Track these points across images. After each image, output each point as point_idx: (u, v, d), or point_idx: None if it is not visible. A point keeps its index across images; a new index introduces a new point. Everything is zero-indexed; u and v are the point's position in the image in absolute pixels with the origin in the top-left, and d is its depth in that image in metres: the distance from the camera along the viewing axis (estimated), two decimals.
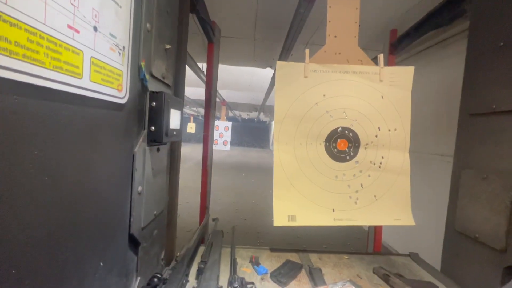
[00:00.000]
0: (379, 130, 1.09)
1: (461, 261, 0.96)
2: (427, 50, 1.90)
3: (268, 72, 3.98)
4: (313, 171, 1.07)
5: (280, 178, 1.06)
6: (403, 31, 1.50)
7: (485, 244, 0.86)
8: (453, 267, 0.99)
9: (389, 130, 1.09)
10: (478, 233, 0.88)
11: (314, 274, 0.90)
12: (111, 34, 0.51)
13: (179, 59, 0.97)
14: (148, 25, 0.68)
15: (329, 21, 1.06)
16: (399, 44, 1.56)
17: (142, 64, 0.66)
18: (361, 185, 1.09)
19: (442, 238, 1.08)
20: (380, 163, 1.10)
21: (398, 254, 1.17)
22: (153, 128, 0.73)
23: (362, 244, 3.31)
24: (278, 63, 1.04)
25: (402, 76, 1.08)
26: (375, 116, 1.09)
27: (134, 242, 0.71)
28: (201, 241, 1.15)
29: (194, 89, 6.06)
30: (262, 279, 0.89)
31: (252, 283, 0.82)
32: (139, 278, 0.74)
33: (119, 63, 0.55)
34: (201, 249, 1.07)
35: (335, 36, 1.06)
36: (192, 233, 1.16)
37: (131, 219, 0.68)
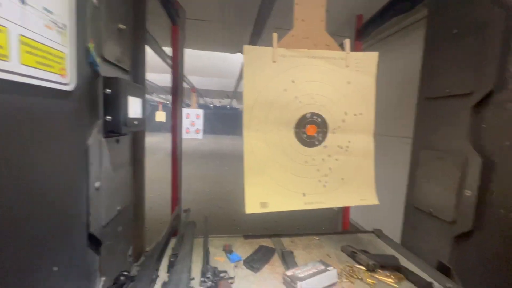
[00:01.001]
0: (346, 115, 1.12)
1: (418, 234, 1.04)
2: (390, 37, 1.97)
3: (239, 57, 3.88)
4: (283, 157, 1.08)
5: (251, 165, 1.05)
6: (369, 17, 1.53)
7: (438, 217, 0.94)
8: (411, 239, 1.08)
9: (355, 115, 1.13)
10: (432, 208, 0.96)
11: (286, 257, 0.93)
12: (45, 9, 0.44)
13: (137, 42, 0.89)
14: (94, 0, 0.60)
15: (297, 4, 1.03)
16: (365, 30, 1.59)
17: (90, 45, 0.58)
18: (330, 169, 1.13)
19: (401, 214, 1.17)
20: (347, 147, 1.13)
21: (364, 232, 1.25)
22: (109, 117, 0.67)
23: (333, 223, 3.50)
24: (246, 47, 1.01)
25: (367, 61, 1.10)
26: (342, 101, 1.11)
27: (94, 241, 0.66)
28: (173, 233, 1.12)
29: (161, 75, 5.75)
30: (235, 266, 0.90)
31: (225, 271, 0.81)
32: (103, 279, 0.69)
33: (60, 44, 0.48)
34: (173, 241, 1.04)
35: (303, 20, 1.05)
36: (164, 225, 1.12)
37: (89, 217, 0.62)
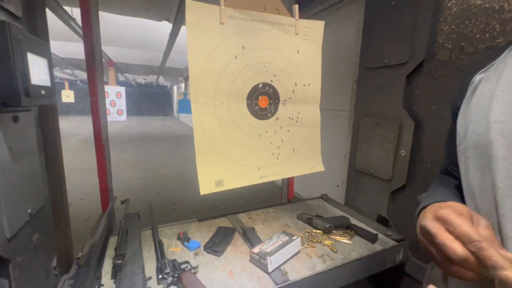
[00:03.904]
0: (296, 85, 1.10)
1: (360, 194, 1.16)
2: (327, 10, 2.02)
3: (165, 26, 3.44)
4: (236, 131, 1.00)
5: (202, 142, 0.94)
6: None
7: (378, 177, 1.06)
8: (354, 199, 1.20)
9: (304, 85, 1.12)
10: (373, 169, 1.08)
11: (249, 234, 0.89)
12: None
13: None
14: None
15: None
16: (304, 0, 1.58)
17: None
18: (282, 141, 1.12)
19: (336, 179, 1.28)
20: (297, 118, 1.14)
21: (313, 198, 1.33)
22: None
23: (273, 193, 3.70)
24: (188, 2, 0.84)
25: (314, 30, 1.09)
26: (292, 71, 1.08)
27: None
28: (110, 231, 0.93)
29: (64, 44, 4.66)
30: (195, 254, 0.81)
31: (186, 262, 0.72)
32: None
33: None
34: (112, 240, 0.87)
35: None
36: (95, 223, 0.92)
37: None
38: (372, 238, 0.91)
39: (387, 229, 0.98)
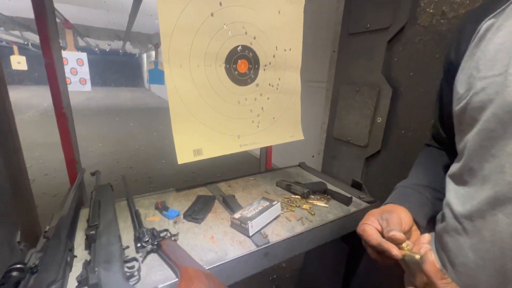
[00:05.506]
0: (276, 49, 1.05)
1: (337, 161, 1.20)
2: None
3: None
4: (215, 97, 0.95)
5: (178, 109, 0.88)
6: None
7: (354, 144, 1.09)
8: (331, 166, 1.24)
9: (284, 50, 1.08)
10: (350, 136, 1.10)
11: (229, 201, 0.89)
12: None
13: None
14: None
15: None
16: None
17: None
18: (262, 109, 1.09)
19: (313, 150, 1.30)
20: (278, 85, 1.10)
21: (291, 166, 1.35)
22: None
23: (250, 165, 3.74)
24: None
25: None
26: (272, 34, 1.02)
27: None
28: (80, 204, 0.88)
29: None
30: (175, 222, 0.80)
31: (166, 230, 0.71)
32: None
33: None
34: (84, 212, 0.82)
35: None
36: (63, 198, 0.85)
37: None
38: (347, 201, 0.95)
39: (360, 193, 1.04)
